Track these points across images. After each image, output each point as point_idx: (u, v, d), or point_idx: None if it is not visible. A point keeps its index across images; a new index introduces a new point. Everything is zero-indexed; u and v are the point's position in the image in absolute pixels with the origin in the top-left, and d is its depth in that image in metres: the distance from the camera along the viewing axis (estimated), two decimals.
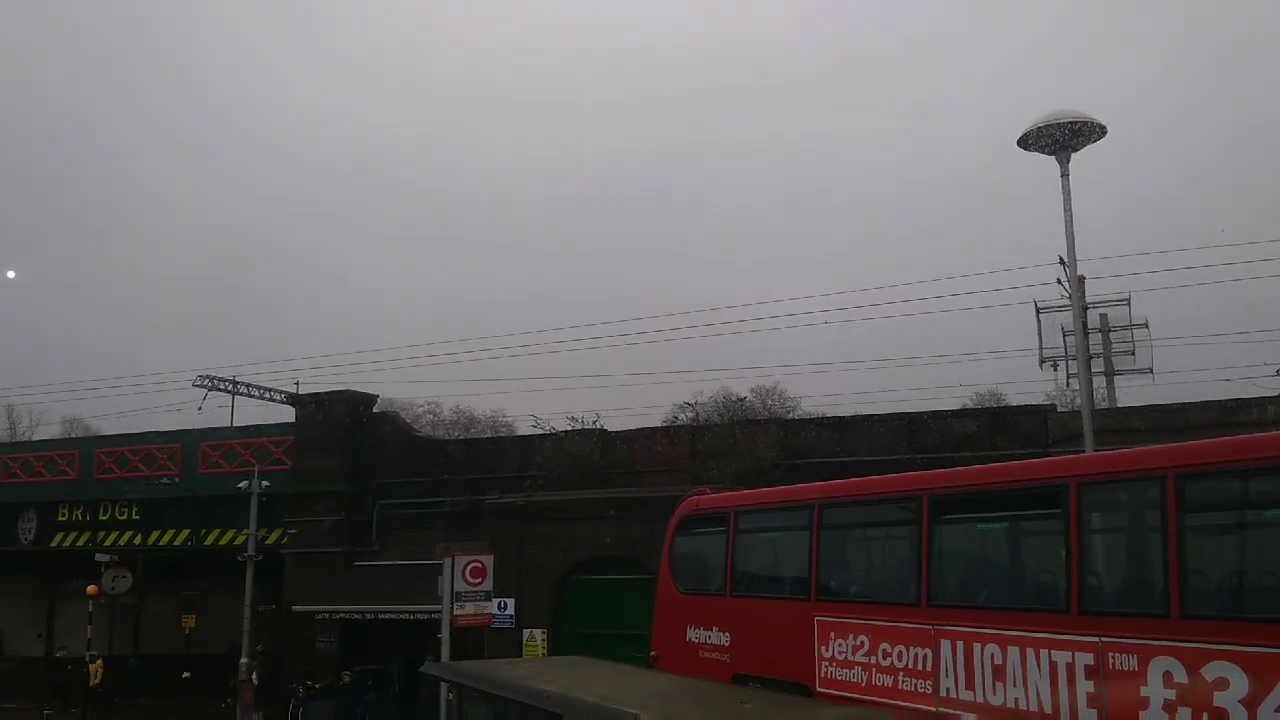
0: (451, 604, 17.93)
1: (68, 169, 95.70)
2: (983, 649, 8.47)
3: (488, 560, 18.68)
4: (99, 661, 31.59)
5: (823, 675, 10.02)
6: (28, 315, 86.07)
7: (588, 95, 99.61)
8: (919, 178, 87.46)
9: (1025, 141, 16.51)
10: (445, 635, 17.78)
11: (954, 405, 31.02)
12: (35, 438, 51.06)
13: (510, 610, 24.89)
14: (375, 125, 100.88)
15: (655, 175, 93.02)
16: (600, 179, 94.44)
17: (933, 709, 8.66)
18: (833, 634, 10.03)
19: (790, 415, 31.09)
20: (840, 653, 9.89)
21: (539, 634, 24.99)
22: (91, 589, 32.15)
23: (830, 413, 30.87)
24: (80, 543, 36.38)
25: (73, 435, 47.18)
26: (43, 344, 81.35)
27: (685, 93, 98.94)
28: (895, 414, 27.46)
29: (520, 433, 33.64)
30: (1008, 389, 36.51)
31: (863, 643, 9.65)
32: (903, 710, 8.74)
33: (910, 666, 9.10)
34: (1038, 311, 25.85)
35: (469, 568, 18.20)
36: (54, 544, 37.43)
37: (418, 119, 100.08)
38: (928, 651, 8.96)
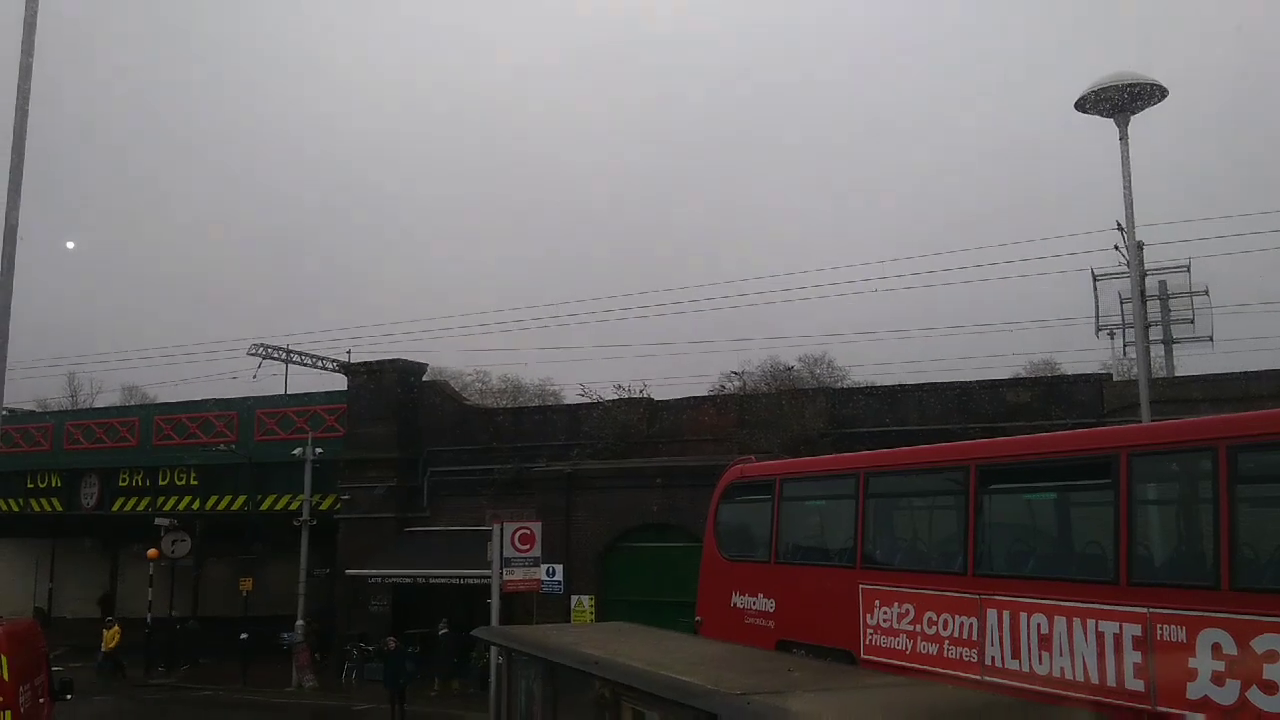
0: (501, 569, 18.20)
1: (129, 138, 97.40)
2: (1029, 619, 8.44)
3: (536, 527, 18.92)
4: (115, 628, 32.26)
5: (867, 643, 10.06)
6: (87, 284, 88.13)
7: (629, 65, 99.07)
8: (973, 145, 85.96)
9: (1083, 104, 16.15)
10: (495, 600, 18.07)
11: (1006, 375, 30.66)
12: (96, 405, 52.45)
13: (558, 576, 25.18)
14: (425, 94, 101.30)
15: (706, 145, 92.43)
16: (648, 149, 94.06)
17: (977, 677, 8.66)
18: (877, 602, 10.05)
19: (839, 384, 30.98)
20: (885, 621, 9.92)
21: (586, 600, 25.29)
22: (152, 552, 33.08)
23: (879, 382, 30.71)
24: (140, 508, 37.42)
25: (132, 403, 48.36)
26: (101, 312, 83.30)
27: (731, 63, 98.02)
28: (946, 383, 27.23)
29: (567, 402, 33.90)
30: (1062, 358, 35.94)
31: (908, 611, 9.66)
32: (948, 679, 8.76)
33: (955, 635, 9.10)
34: (1094, 279, 25.38)
35: (518, 534, 18.44)
36: (115, 509, 38.54)
37: (468, 87, 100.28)
38: (973, 620, 8.96)
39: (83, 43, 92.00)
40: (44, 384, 78.60)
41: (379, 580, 30.56)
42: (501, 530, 18.45)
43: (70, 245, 76.84)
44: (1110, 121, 16.29)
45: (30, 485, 40.27)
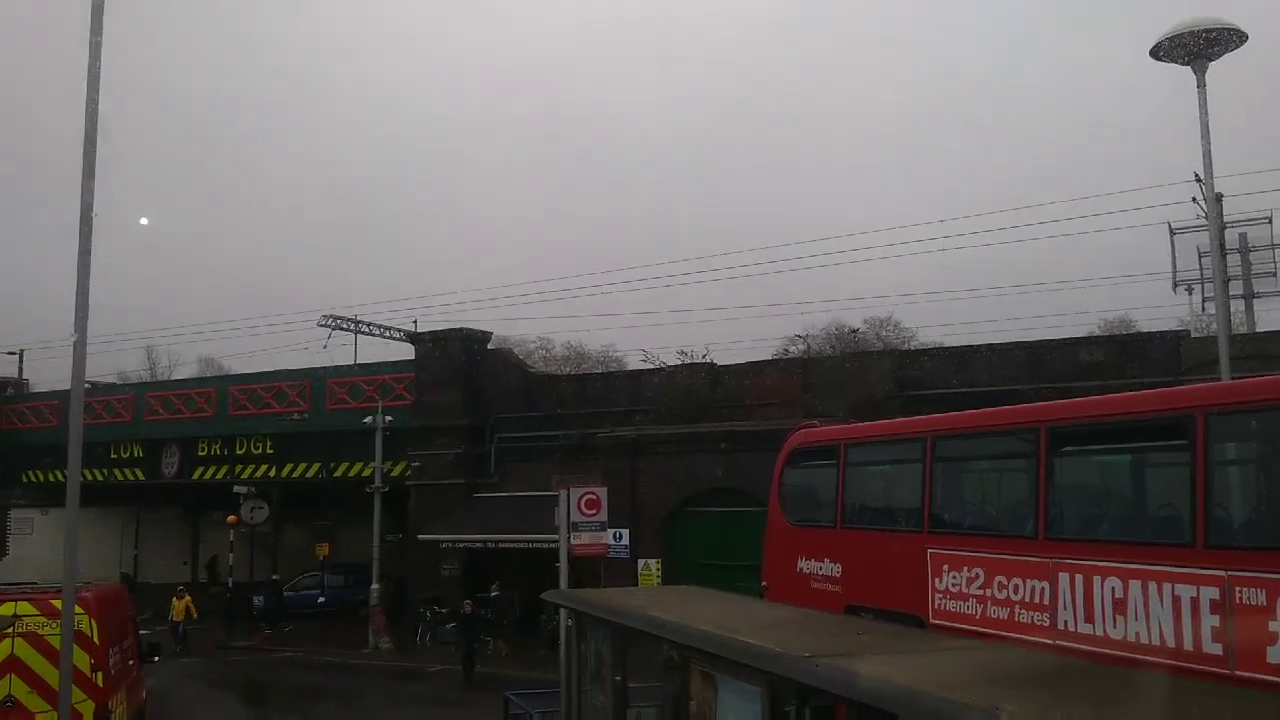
0: (568, 534, 18.41)
1: (202, 115, 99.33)
2: (1103, 582, 8.29)
3: (601, 492, 19.07)
4: (186, 599, 31.58)
5: (936, 607, 9.99)
6: (163, 259, 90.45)
7: (683, 27, 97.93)
8: (1041, 97, 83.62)
9: (1158, 51, 15.56)
10: (563, 564, 18.31)
11: (1079, 333, 29.96)
12: (174, 377, 54.02)
13: (625, 541, 25.46)
14: (487, 61, 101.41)
15: (766, 105, 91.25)
16: (709, 111, 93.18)
17: (1050, 642, 8.56)
18: (946, 566, 9.96)
19: (905, 346, 30.60)
20: (954, 585, 9.83)
21: (653, 564, 25.52)
22: (232, 519, 34.08)
23: (947, 343, 30.22)
24: (219, 476, 38.58)
25: (208, 374, 49.72)
26: (177, 286, 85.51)
27: (790, 16, 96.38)
28: (1016, 343, 26.73)
29: (630, 367, 34.02)
30: (1137, 315, 35.02)
31: (977, 575, 9.56)
32: (1019, 644, 8.67)
33: (1027, 600, 8.98)
34: (1171, 233, 24.61)
35: (584, 499, 18.61)
36: (195, 477, 39.81)
37: (529, 52, 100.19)
38: (1045, 584, 8.83)
39: (158, 19, 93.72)
40: (123, 357, 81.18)
41: (450, 545, 31.18)
42: (568, 495, 18.64)
43: (144, 221, 78.61)
44: (1188, 69, 15.69)
45: (113, 456, 41.72)
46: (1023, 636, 8.76)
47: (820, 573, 11.94)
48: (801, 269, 32.42)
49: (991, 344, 27.04)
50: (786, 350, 32.62)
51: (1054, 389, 21.67)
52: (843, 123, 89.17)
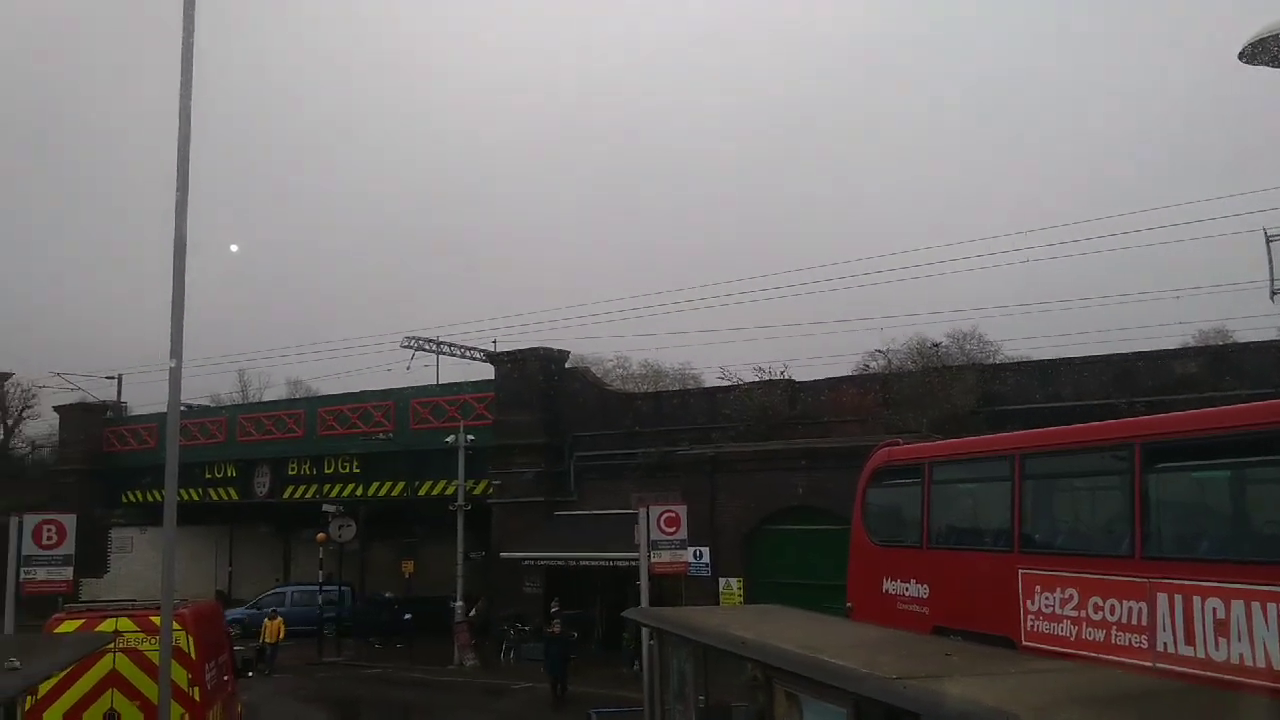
0: (648, 552, 18.42)
1: (286, 143, 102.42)
2: (1203, 603, 8.02)
3: (681, 510, 19.02)
4: (278, 620, 31.14)
5: (1028, 629, 9.76)
6: (253, 284, 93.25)
7: (750, 46, 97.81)
8: (1128, 104, 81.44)
9: (1246, 55, 15.05)
10: (644, 582, 18.30)
11: (1172, 345, 28.98)
12: (264, 399, 55.59)
13: (706, 559, 25.34)
14: (562, 84, 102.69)
15: (841, 122, 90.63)
16: (786, 125, 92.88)
17: (1149, 664, 8.29)
18: (1038, 587, 9.73)
19: (989, 360, 29.93)
20: (1047, 606, 9.59)
21: (735, 582, 25.36)
22: (320, 537, 34.83)
23: (1033, 356, 29.50)
24: (309, 495, 39.51)
25: (298, 396, 51.03)
26: (267, 310, 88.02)
27: (864, 31, 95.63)
28: (1105, 356, 25.99)
29: (707, 385, 33.94)
30: (1234, 325, 33.71)
31: (1071, 596, 9.31)
32: (1117, 666, 8.41)
33: (1124, 621, 8.72)
34: (1268, 240, 23.69)
35: (663, 517, 18.59)
36: (286, 496, 40.83)
37: (602, 72, 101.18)
38: (1142, 605, 8.57)
39: (240, 54, 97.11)
40: (216, 380, 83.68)
41: (531, 562, 31.43)
42: (648, 513, 18.64)
43: (234, 249, 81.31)
44: (1275, 73, 15.12)
45: (208, 476, 43.04)
46: (1120, 659, 8.51)
47: (906, 594, 11.76)
48: (882, 283, 32.07)
49: (1080, 357, 26.34)
50: (866, 366, 32.21)
51: (1147, 403, 21.02)
52: (920, 133, 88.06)
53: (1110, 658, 8.63)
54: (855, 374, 30.89)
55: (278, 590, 40.01)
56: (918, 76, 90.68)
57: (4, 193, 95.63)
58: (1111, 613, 8.87)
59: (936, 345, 31.55)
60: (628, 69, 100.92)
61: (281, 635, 31.03)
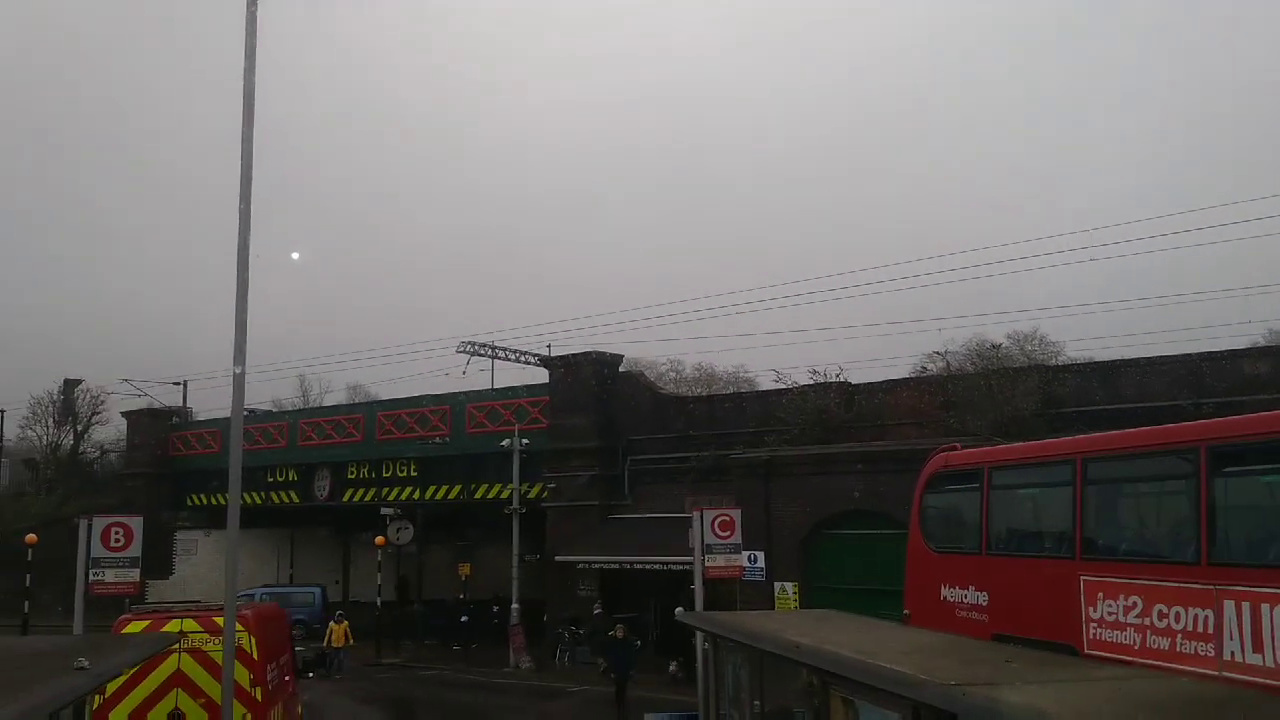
0: (702, 556, 18.36)
1: (345, 154, 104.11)
2: (1272, 610, 7.79)
3: (735, 514, 18.91)
4: (344, 624, 30.62)
5: (1090, 637, 9.55)
6: (314, 292, 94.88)
7: (816, 49, 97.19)
8: (1192, 97, 79.47)
9: None
10: (698, 586, 18.24)
11: (1241, 344, 28.18)
12: (324, 403, 56.50)
13: (760, 563, 25.19)
14: (617, 89, 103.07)
15: (898, 120, 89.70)
16: (842, 125, 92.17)
17: (1215, 673, 8.07)
18: (1101, 594, 9.52)
19: (1052, 361, 29.32)
20: (1110, 614, 9.38)
21: (790, 587, 25.18)
22: (379, 540, 35.26)
23: (1098, 357, 28.86)
24: (368, 498, 40.08)
25: (357, 400, 51.80)
26: (326, 317, 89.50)
27: (934, 29, 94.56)
28: (1172, 356, 25.37)
29: (761, 388, 33.75)
30: None
31: (1135, 603, 9.10)
32: (1182, 674, 8.19)
33: (1189, 629, 8.50)
34: None
35: (717, 521, 18.49)
36: (345, 499, 41.44)
37: (654, 80, 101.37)
38: (1209, 613, 8.34)
39: (304, 62, 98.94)
40: (278, 385, 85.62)
41: (586, 566, 31.52)
42: (702, 517, 18.58)
43: (295, 257, 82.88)
44: None
45: (270, 479, 43.84)
46: (1185, 667, 8.30)
47: (965, 601, 11.58)
48: (944, 283, 31.65)
49: (1145, 357, 25.73)
50: (924, 368, 31.75)
51: (1215, 405, 20.48)
52: (980, 132, 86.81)
53: (1175, 666, 8.42)
54: (913, 376, 30.50)
55: (246, 592, 38.97)
56: (981, 74, 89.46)
57: (73, 206, 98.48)
58: (1177, 620, 8.65)
59: (997, 346, 30.99)
60: (686, 70, 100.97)
61: (350, 639, 30.62)
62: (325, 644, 30.38)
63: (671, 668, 26.72)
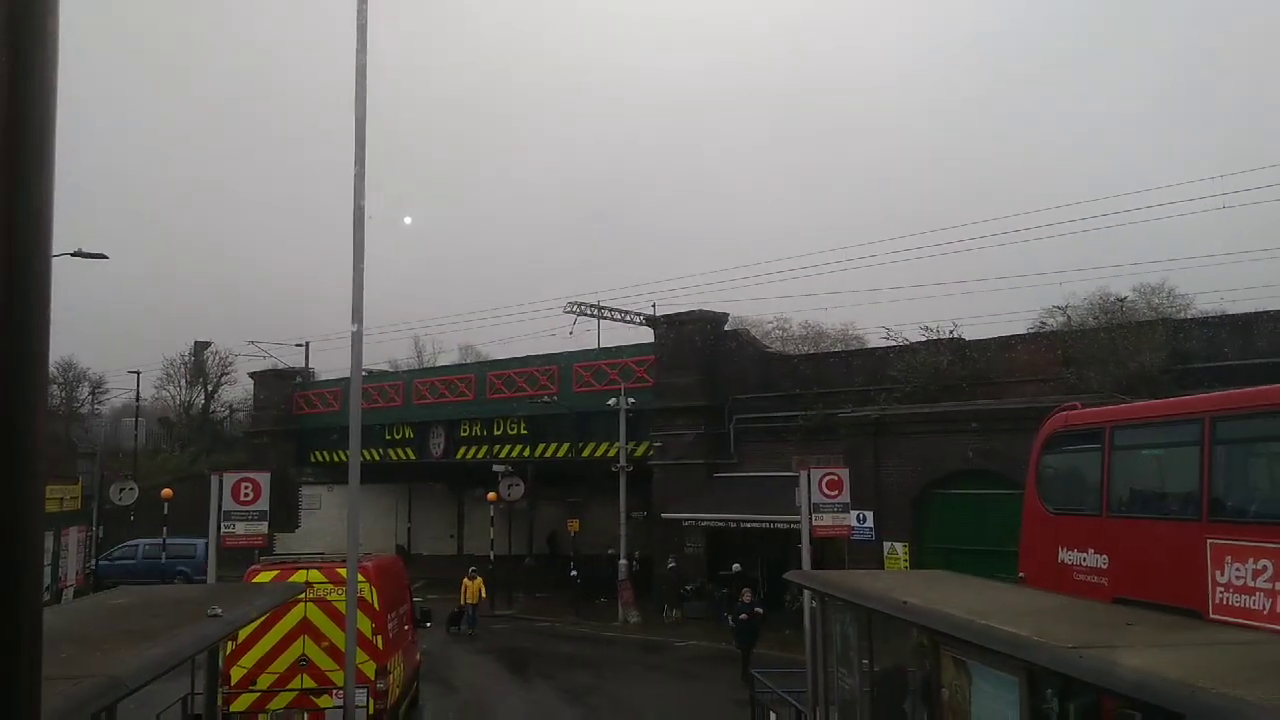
0: (810, 515, 18.26)
1: (457, 124, 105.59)
2: None
3: (843, 473, 18.72)
4: (479, 580, 30.40)
5: (1216, 601, 9.18)
6: (427, 255, 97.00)
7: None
8: None
9: None
10: (805, 545, 18.17)
11: None
12: (438, 364, 57.96)
13: (869, 523, 24.94)
14: (730, 38, 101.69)
15: (1022, 77, 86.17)
16: (963, 80, 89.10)
17: None
18: (1229, 557, 9.13)
19: (1181, 315, 27.97)
20: (1238, 578, 8.99)
21: (900, 547, 24.88)
22: (491, 496, 36.16)
23: (1229, 310, 27.43)
24: (480, 455, 41.05)
25: (468, 360, 52.97)
26: (439, 279, 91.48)
27: None
28: None
29: (870, 345, 33.19)
30: None
31: (1265, 567, 8.70)
32: None
33: None
34: None
35: (825, 480, 18.34)
36: (459, 456, 42.55)
37: (767, 26, 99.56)
38: None
39: (417, 34, 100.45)
40: (394, 346, 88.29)
41: (692, 523, 31.74)
42: (809, 476, 18.45)
43: (408, 220, 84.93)
44: None
45: (387, 437, 45.29)
46: None
47: (1084, 564, 11.26)
48: (1066, 234, 30.49)
49: None
50: (1043, 324, 30.70)
51: None
52: (1105, 74, 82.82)
53: None
54: (1030, 332, 29.55)
55: (128, 544, 38.43)
56: (1109, 16, 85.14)
57: (203, 178, 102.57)
58: None
59: (1122, 300, 29.75)
60: (795, 22, 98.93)
61: (484, 594, 30.58)
62: (461, 600, 30.09)
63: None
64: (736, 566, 29.01)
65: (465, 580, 30.44)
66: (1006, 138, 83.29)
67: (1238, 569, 9.03)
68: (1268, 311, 24.61)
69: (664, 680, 23.03)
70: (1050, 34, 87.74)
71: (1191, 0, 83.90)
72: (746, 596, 23.44)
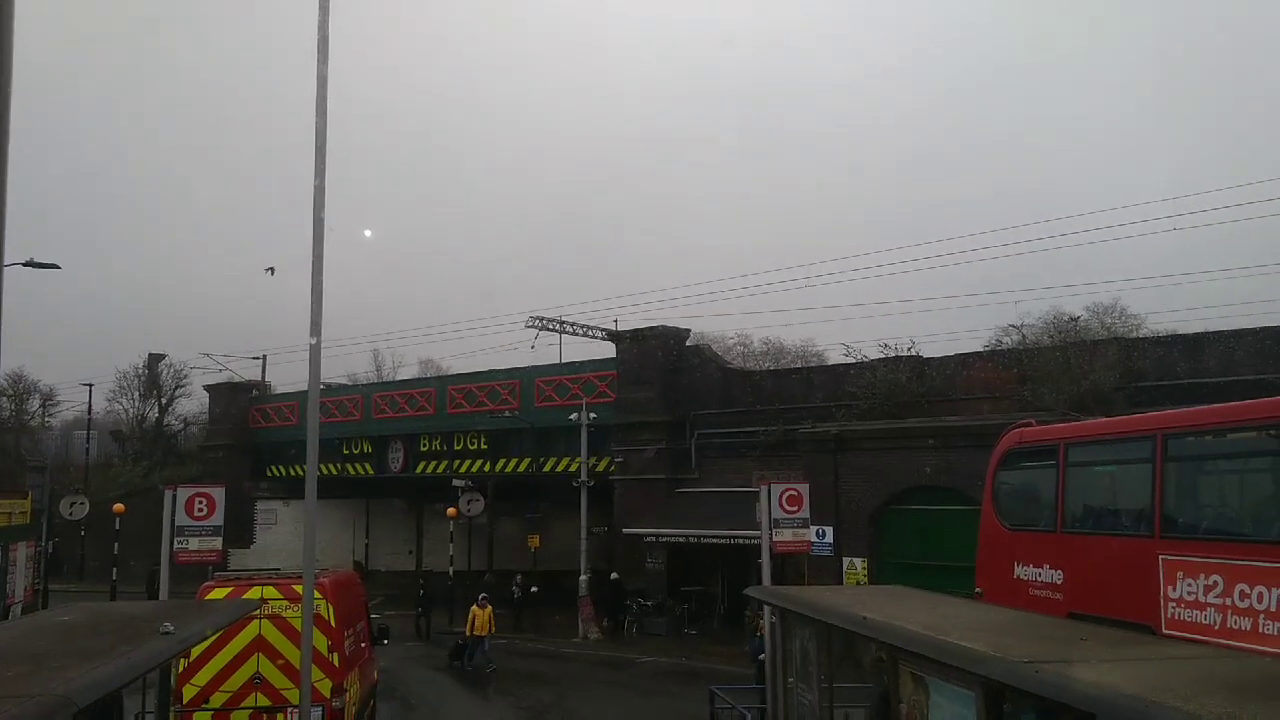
0: (770, 530, 18.31)
1: (417, 137, 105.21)
2: None
3: (803, 488, 18.79)
4: (489, 609, 25.99)
5: (1169, 616, 9.33)
6: (385, 267, 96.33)
7: (891, 24, 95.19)
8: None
9: None
10: (765, 560, 18.21)
11: None
12: (398, 378, 57.50)
13: (829, 538, 25.08)
14: (689, 61, 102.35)
15: (976, 91, 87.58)
16: (918, 97, 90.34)
17: None
18: (1180, 573, 9.29)
19: (1133, 334, 28.49)
20: (1189, 593, 9.15)
21: (859, 562, 25.03)
22: (451, 511, 35.87)
23: (1181, 330, 27.98)
24: (439, 470, 40.75)
25: (429, 375, 52.60)
26: (399, 293, 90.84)
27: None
28: (1257, 328, 24.48)
29: (830, 362, 33.45)
30: None
31: (1215, 583, 8.86)
32: (1265, 655, 7.97)
33: (1273, 609, 8.26)
34: None
35: (785, 495, 18.38)
36: (418, 471, 42.20)
37: (733, 44, 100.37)
38: None
39: (377, 42, 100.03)
40: (353, 360, 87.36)
41: (653, 538, 31.70)
42: (769, 491, 18.51)
43: (368, 234, 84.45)
44: None
45: (345, 451, 44.84)
46: (1268, 649, 8.07)
47: (1039, 579, 11.40)
48: (1022, 254, 30.97)
49: (1230, 330, 24.87)
50: (999, 341, 31.14)
51: None
52: (1059, 103, 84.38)
53: (1257, 647, 8.19)
54: (987, 350, 29.95)
55: None
56: (1059, 45, 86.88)
57: (158, 188, 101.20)
58: (1259, 601, 8.41)
59: (1075, 318, 30.26)
60: (760, 42, 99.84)
61: (493, 628, 26.05)
62: (468, 632, 26.07)
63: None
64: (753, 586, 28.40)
65: (474, 608, 25.92)
66: (965, 159, 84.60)
67: (1189, 584, 9.18)
68: (1217, 331, 25.14)
69: (628, 698, 22.94)
70: (1004, 58, 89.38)
71: (1141, 27, 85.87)
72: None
